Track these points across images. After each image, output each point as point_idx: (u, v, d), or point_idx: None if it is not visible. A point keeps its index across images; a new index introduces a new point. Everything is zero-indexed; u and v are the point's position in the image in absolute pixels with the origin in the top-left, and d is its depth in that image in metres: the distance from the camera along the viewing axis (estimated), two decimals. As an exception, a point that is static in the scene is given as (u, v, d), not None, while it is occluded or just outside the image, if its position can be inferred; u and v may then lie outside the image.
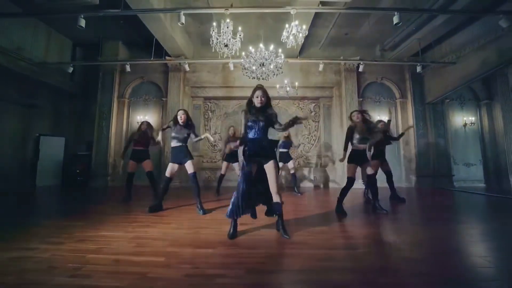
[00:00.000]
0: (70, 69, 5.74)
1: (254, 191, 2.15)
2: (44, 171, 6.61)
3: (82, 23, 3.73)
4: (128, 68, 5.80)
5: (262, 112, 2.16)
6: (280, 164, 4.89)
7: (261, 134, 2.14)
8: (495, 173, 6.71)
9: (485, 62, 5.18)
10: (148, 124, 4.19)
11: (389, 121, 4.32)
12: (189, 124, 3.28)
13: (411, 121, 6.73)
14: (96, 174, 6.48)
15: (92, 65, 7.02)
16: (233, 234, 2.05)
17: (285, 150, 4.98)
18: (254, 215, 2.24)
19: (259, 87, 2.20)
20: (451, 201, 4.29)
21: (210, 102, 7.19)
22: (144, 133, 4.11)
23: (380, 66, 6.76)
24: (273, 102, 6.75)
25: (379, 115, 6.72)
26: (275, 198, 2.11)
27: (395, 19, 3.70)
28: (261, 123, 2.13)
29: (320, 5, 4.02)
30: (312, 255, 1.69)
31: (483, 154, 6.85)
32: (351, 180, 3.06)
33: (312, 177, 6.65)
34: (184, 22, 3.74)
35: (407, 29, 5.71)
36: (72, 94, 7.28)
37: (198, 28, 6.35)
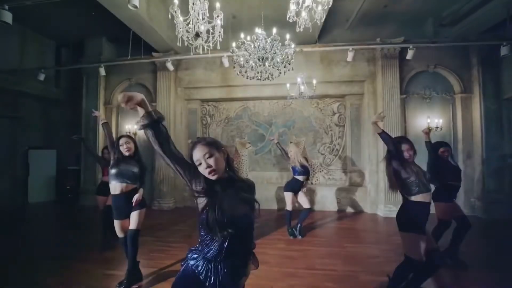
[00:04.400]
0: (42, 77, 4.88)
1: None
2: (36, 187, 6.13)
3: (7, 17, 2.69)
4: (102, 72, 4.78)
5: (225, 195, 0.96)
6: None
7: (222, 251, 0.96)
8: None
9: None
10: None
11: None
12: (139, 156, 2.37)
13: (477, 123, 4.84)
14: (85, 191, 5.81)
15: (76, 68, 6.18)
16: None
17: (300, 177, 3.58)
18: None
19: (195, 143, 0.96)
20: None
21: (208, 105, 5.99)
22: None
23: (433, 49, 4.84)
24: (285, 103, 5.31)
25: (429, 118, 4.93)
26: None
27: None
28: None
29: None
30: None
31: None
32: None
33: (335, 198, 5.24)
34: (137, 5, 2.49)
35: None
36: (59, 102, 6.58)
37: (187, 14, 5.05)
